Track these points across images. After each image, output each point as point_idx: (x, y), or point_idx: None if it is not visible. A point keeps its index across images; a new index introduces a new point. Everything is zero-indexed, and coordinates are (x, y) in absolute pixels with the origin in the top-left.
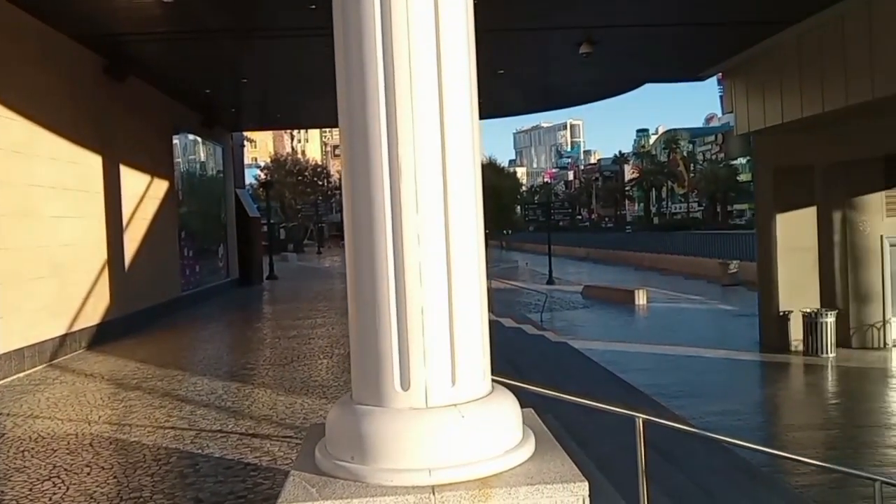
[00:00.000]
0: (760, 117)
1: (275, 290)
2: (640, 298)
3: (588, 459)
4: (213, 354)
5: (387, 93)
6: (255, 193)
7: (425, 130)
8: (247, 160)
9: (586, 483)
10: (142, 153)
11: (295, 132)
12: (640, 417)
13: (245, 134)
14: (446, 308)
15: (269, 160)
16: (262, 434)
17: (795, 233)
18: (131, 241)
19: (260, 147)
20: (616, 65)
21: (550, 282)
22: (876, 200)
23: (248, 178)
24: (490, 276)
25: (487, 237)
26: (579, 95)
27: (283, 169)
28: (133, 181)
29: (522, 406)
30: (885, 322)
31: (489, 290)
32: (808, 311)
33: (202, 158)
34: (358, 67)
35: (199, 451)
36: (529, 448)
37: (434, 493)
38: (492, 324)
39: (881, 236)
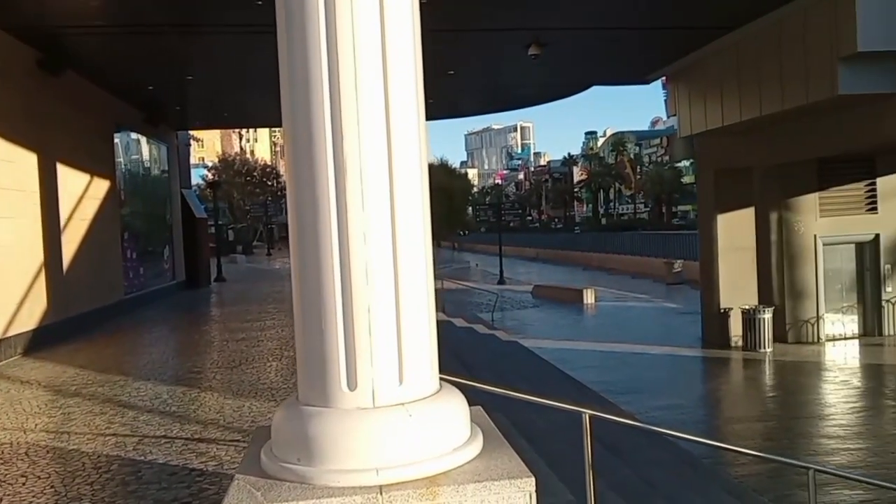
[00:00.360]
0: (702, 120)
1: (223, 293)
2: (589, 297)
3: (537, 456)
4: (157, 358)
5: (331, 90)
6: (202, 194)
7: (371, 128)
8: (193, 160)
9: (533, 478)
10: (81, 151)
11: (243, 132)
12: (587, 413)
13: (191, 133)
14: (393, 307)
15: (216, 160)
16: (208, 438)
17: (735, 233)
18: (70, 243)
19: (207, 146)
20: (564, 67)
21: (501, 282)
22: (810, 201)
23: (195, 179)
24: (442, 276)
25: (439, 238)
26: (529, 97)
27: (232, 169)
28: (72, 180)
29: (471, 404)
30: (818, 318)
31: (440, 289)
32: (747, 307)
33: (146, 157)
34: (302, 64)
35: (142, 457)
36: (477, 445)
37: (382, 493)
38: (443, 324)
39: (815, 236)
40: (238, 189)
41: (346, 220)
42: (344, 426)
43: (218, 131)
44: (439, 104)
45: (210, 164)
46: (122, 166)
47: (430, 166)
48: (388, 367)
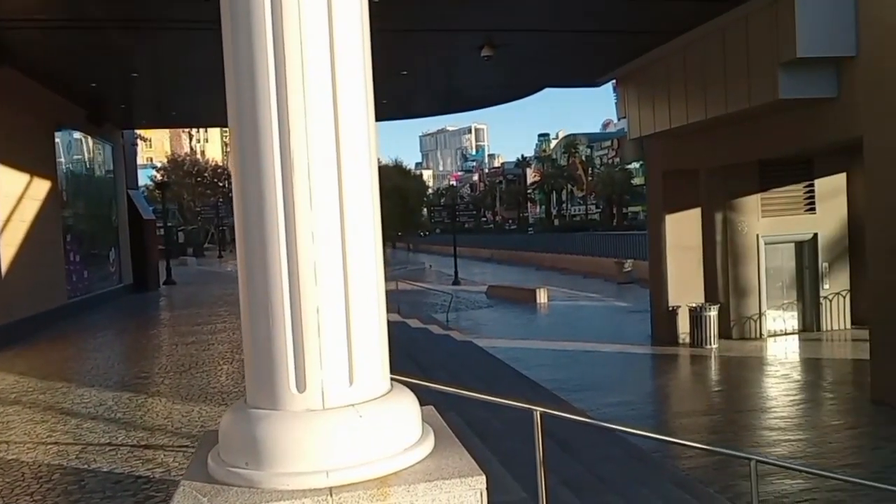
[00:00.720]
0: (651, 123)
1: (172, 296)
2: (542, 297)
3: (490, 454)
4: (102, 364)
5: (278, 87)
6: (150, 195)
7: (319, 126)
8: (141, 160)
9: (483, 476)
10: (18, 151)
11: (194, 131)
12: (538, 410)
13: (138, 132)
14: (343, 307)
15: (165, 160)
16: (155, 445)
17: (682, 233)
18: (7, 246)
19: (156, 146)
20: (516, 68)
21: (456, 282)
22: (752, 202)
23: (143, 179)
24: (397, 277)
25: (394, 239)
26: (482, 98)
27: (181, 170)
28: (9, 181)
29: (424, 404)
30: (760, 314)
31: (395, 291)
32: (694, 305)
33: (89, 157)
34: (247, 61)
35: (86, 466)
36: (429, 445)
37: (332, 495)
38: (398, 325)
39: (757, 235)
40: (188, 190)
41: (294, 219)
42: (293, 428)
43: (167, 131)
44: (393, 105)
45: (159, 165)
46: (64, 166)
47: (385, 168)
48: (338, 367)
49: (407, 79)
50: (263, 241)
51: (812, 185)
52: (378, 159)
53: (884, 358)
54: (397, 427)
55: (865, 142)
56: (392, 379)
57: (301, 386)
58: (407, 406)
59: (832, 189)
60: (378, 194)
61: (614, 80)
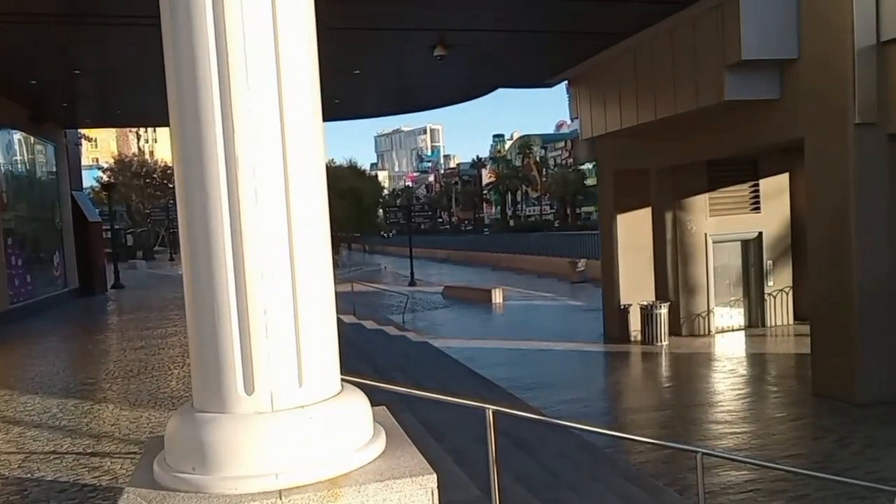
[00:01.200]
0: (602, 123)
1: (121, 300)
2: (497, 297)
3: (444, 453)
4: (47, 371)
5: (221, 84)
6: (96, 196)
7: (264, 123)
8: (86, 161)
9: (434, 475)
10: None
11: (141, 131)
12: (490, 409)
13: (82, 132)
14: (291, 308)
15: (112, 161)
16: (101, 452)
17: (634, 232)
18: None
19: (102, 146)
20: (469, 69)
21: (412, 283)
22: (701, 202)
23: (89, 181)
24: (352, 279)
25: (350, 240)
26: (436, 98)
27: (129, 170)
28: None
29: (378, 405)
30: (709, 311)
31: (350, 292)
32: (645, 303)
33: (31, 158)
34: (189, 57)
35: (29, 475)
36: (380, 445)
37: (281, 498)
38: (354, 326)
39: (705, 234)
40: (137, 192)
41: (240, 219)
42: (241, 432)
43: (113, 130)
44: (346, 104)
45: (105, 166)
46: (4, 167)
47: (339, 168)
48: (287, 369)
49: (359, 78)
50: (208, 242)
51: (757, 184)
52: (332, 160)
53: (823, 352)
54: (348, 428)
55: (806, 143)
56: (343, 380)
57: (249, 388)
58: (358, 407)
59: (776, 189)
60: (326, 193)
61: (567, 81)
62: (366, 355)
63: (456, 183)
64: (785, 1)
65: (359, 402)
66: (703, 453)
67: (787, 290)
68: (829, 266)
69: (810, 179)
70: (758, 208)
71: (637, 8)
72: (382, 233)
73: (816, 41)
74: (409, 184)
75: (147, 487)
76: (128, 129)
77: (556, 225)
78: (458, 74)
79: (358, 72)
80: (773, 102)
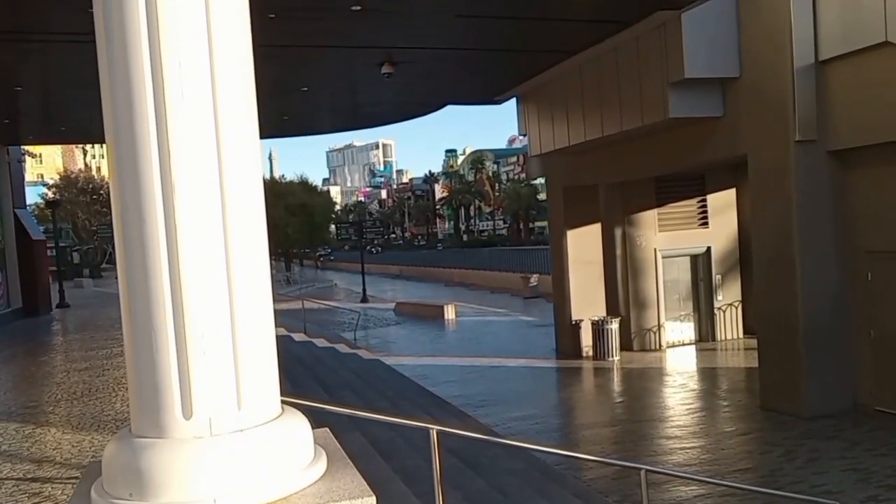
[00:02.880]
0: (550, 140)
1: (66, 320)
2: (449, 313)
3: (393, 473)
4: None
5: (156, 104)
6: (40, 214)
7: (200, 142)
8: (30, 177)
9: (374, 498)
10: None
11: (87, 147)
12: (434, 429)
13: (25, 148)
14: (229, 331)
15: (57, 177)
16: (42, 477)
17: (584, 247)
18: None
19: (47, 162)
20: (417, 86)
21: (364, 300)
22: (650, 217)
23: (33, 197)
24: (303, 296)
25: (303, 257)
26: (386, 115)
27: (75, 187)
28: None
29: (326, 425)
30: (659, 326)
31: (301, 309)
32: (596, 318)
33: None
34: (124, 77)
35: None
36: (321, 468)
37: None
38: (304, 344)
39: (655, 249)
40: (83, 208)
41: (176, 242)
42: (179, 457)
43: (58, 146)
44: (296, 120)
45: (50, 182)
46: None
47: (290, 184)
48: (226, 393)
49: (308, 94)
50: (145, 265)
51: (705, 200)
52: (283, 176)
53: (770, 367)
54: (288, 451)
55: (749, 160)
56: (285, 402)
57: (187, 413)
58: (298, 429)
59: (723, 204)
60: (264, 213)
61: (516, 98)
62: (316, 374)
63: (409, 198)
64: (726, 20)
65: (299, 425)
66: (647, 470)
67: (736, 304)
68: (774, 281)
69: (754, 195)
70: (706, 223)
71: (580, 27)
72: (370, 248)
73: (757, 60)
74: (362, 199)
75: None
76: (73, 145)
77: (510, 240)
78: (407, 91)
79: (306, 88)
80: (717, 120)
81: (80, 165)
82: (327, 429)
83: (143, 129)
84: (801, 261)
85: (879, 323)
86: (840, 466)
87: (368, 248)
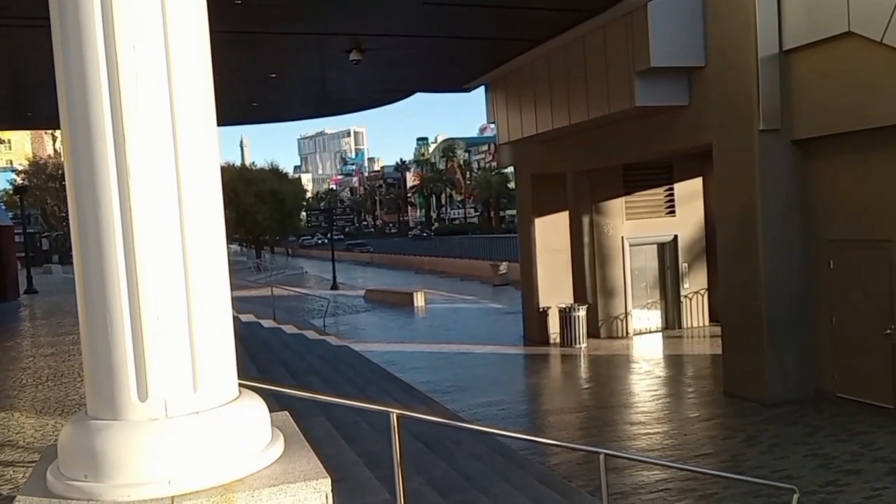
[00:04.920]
0: (519, 128)
1: (34, 305)
2: (419, 300)
3: (357, 457)
4: None
5: (111, 88)
6: (8, 200)
7: (155, 125)
8: None
9: (329, 479)
10: None
11: (57, 132)
12: (394, 412)
13: None
14: (185, 314)
15: (26, 163)
16: (3, 461)
17: (552, 235)
18: None
19: (16, 149)
20: (386, 73)
21: (335, 287)
22: (617, 205)
23: (2, 184)
24: (272, 283)
25: (273, 244)
26: (355, 102)
27: (44, 173)
28: None
29: (286, 409)
30: (626, 314)
31: (270, 296)
32: (564, 306)
33: None
34: (77, 60)
35: None
36: (277, 450)
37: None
38: (273, 331)
39: (622, 237)
40: (52, 195)
41: (131, 225)
42: (134, 439)
43: (27, 132)
44: (265, 107)
45: (19, 168)
46: None
47: (260, 171)
48: (182, 375)
49: (277, 81)
50: (100, 248)
51: (672, 188)
52: (253, 163)
53: (733, 353)
54: (244, 433)
55: (714, 148)
56: (244, 385)
57: (143, 395)
58: (255, 411)
59: (690, 193)
60: (221, 196)
61: (485, 86)
62: (283, 359)
63: (380, 186)
64: (691, 10)
65: (256, 407)
66: (606, 454)
67: (702, 292)
68: (738, 268)
69: (719, 184)
70: (673, 212)
71: (548, 15)
72: (318, 235)
73: (722, 49)
74: (333, 187)
75: (39, 496)
76: (43, 131)
77: (481, 228)
78: (376, 79)
79: (274, 75)
80: (683, 109)
81: (50, 151)
82: (286, 412)
83: (97, 112)
84: (764, 249)
85: (841, 311)
86: (801, 452)
87: (317, 235)
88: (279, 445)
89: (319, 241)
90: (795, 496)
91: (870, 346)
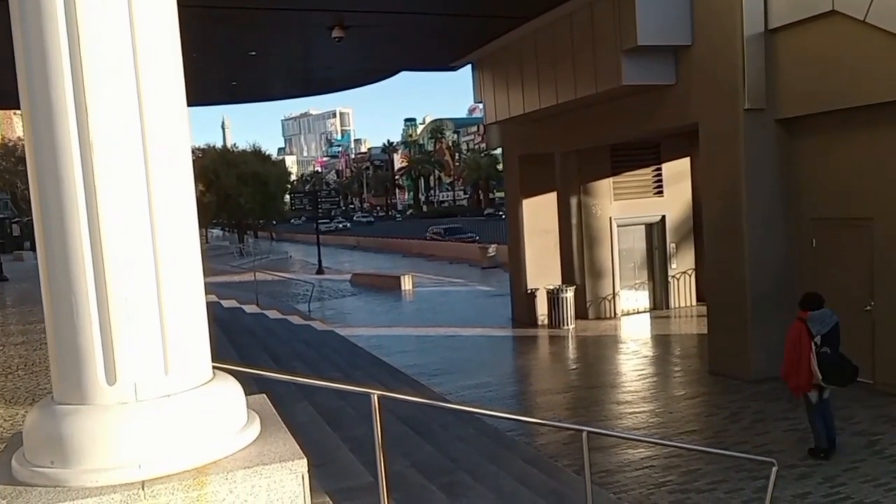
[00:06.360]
0: (506, 107)
1: (3, 293)
2: (406, 284)
3: (341, 441)
4: None
5: (73, 63)
6: None
7: (120, 102)
8: None
9: (304, 460)
10: None
11: None
12: (375, 394)
13: None
14: (155, 295)
15: None
16: None
17: (539, 216)
18: None
19: None
20: (370, 51)
21: (320, 271)
22: (605, 186)
23: None
24: (255, 268)
25: (257, 228)
26: (339, 80)
27: (14, 155)
28: None
29: (271, 394)
30: (614, 294)
31: (253, 281)
32: (552, 287)
33: None
34: (37, 35)
35: None
36: (253, 432)
37: (144, 488)
38: (256, 316)
39: (610, 218)
40: (23, 178)
41: (96, 205)
42: (102, 423)
43: None
44: (246, 86)
45: None
46: None
47: (243, 154)
48: (152, 358)
49: (258, 59)
50: (63, 227)
51: (660, 169)
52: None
53: (718, 331)
54: (218, 415)
55: (700, 128)
56: (220, 369)
57: (111, 378)
58: (229, 394)
59: (678, 173)
60: (191, 174)
61: (472, 65)
62: (266, 345)
63: (367, 168)
64: None
65: (231, 389)
66: (589, 431)
67: (689, 272)
68: (722, 247)
69: (705, 163)
70: (661, 192)
71: None
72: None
73: (708, 28)
74: (319, 169)
75: (4, 483)
76: (12, 112)
77: (470, 210)
78: (359, 57)
79: (254, 53)
80: (670, 88)
81: (20, 133)
82: (264, 395)
83: (58, 87)
84: (748, 228)
85: (823, 288)
86: (782, 427)
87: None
88: (255, 428)
89: (341, 226)
90: (774, 469)
91: (851, 323)
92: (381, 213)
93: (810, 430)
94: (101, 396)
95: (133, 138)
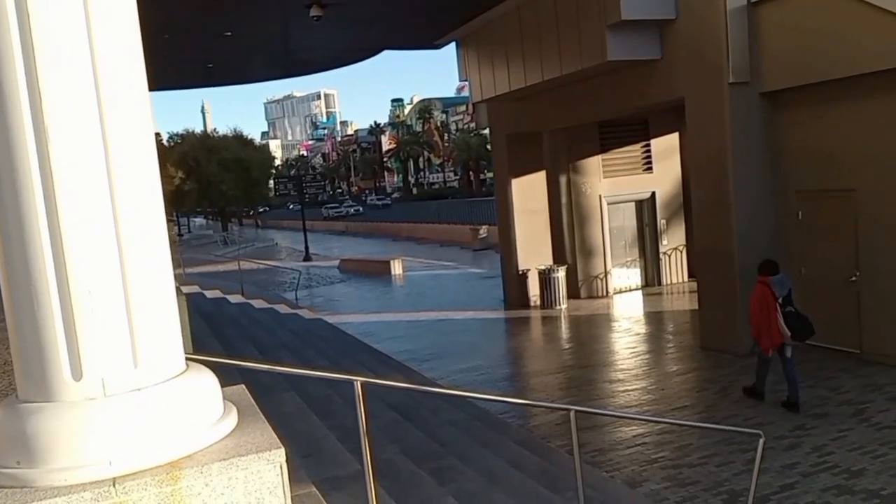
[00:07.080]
0: (492, 86)
1: None
2: (396, 268)
3: (328, 430)
4: None
5: (25, 53)
6: None
7: (75, 80)
8: None
9: (282, 450)
10: None
11: None
12: (358, 380)
13: None
14: (121, 286)
15: None
16: None
17: (529, 196)
18: None
19: None
20: (351, 30)
21: (307, 258)
22: (594, 163)
23: None
24: (239, 256)
25: (241, 215)
26: (321, 61)
27: None
28: None
29: (251, 386)
30: (606, 273)
31: (237, 270)
32: (543, 267)
33: None
34: None
35: None
36: (229, 424)
37: (115, 485)
38: (241, 306)
39: (600, 196)
40: None
41: (54, 193)
42: (69, 420)
43: None
44: (224, 68)
45: None
46: None
47: (224, 139)
48: (119, 351)
49: (235, 40)
50: (20, 217)
51: (649, 145)
52: (215, 129)
53: (709, 307)
54: (192, 408)
55: (686, 102)
56: (192, 360)
57: (77, 374)
58: (204, 386)
59: (667, 149)
60: (156, 161)
61: (456, 43)
62: (252, 335)
63: (354, 151)
64: None
65: (205, 381)
66: (576, 410)
67: (681, 248)
68: (711, 222)
69: (691, 138)
70: (650, 168)
71: None
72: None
73: (692, 2)
74: (304, 153)
75: None
76: None
77: (461, 192)
78: (339, 36)
79: (229, 33)
80: (655, 63)
81: None
82: (242, 385)
83: (9, 69)
84: (735, 202)
85: (809, 261)
86: (771, 399)
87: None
88: (232, 419)
89: (353, 210)
90: (761, 441)
91: (837, 294)
92: (370, 197)
93: (756, 378)
94: (67, 393)
95: (91, 122)
